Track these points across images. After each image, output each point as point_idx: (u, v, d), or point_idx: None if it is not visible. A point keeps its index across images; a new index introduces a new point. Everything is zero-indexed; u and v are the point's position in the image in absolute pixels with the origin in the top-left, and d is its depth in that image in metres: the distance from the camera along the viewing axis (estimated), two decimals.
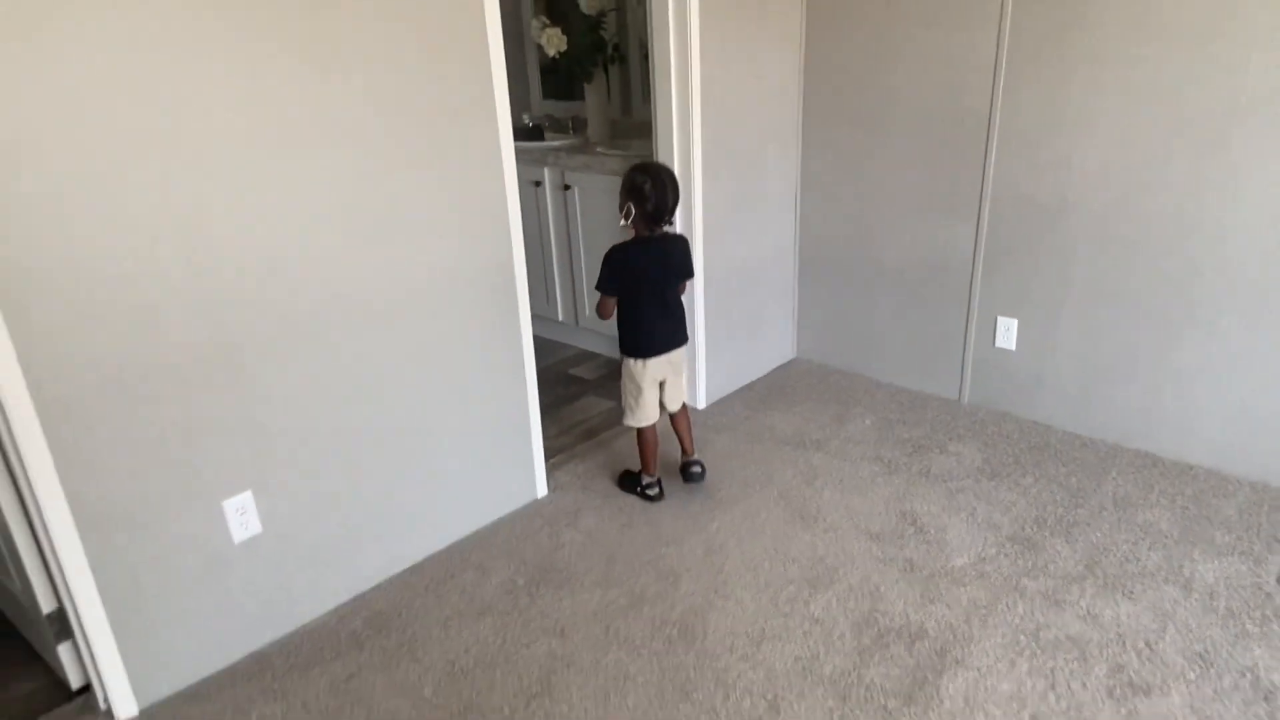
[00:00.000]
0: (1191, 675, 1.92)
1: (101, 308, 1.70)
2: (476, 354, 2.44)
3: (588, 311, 3.79)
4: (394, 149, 2.10)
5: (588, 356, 3.88)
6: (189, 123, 1.73)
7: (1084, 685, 1.90)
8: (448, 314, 2.33)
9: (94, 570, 1.81)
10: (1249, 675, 1.91)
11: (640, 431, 2.62)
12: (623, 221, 2.42)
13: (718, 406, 3.30)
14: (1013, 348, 3.03)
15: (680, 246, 2.52)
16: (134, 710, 1.94)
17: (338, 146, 1.99)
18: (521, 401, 2.60)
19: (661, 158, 2.95)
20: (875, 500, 2.63)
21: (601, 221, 3.53)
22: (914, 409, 3.22)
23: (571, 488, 2.78)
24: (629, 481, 2.74)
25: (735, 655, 2.03)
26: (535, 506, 2.69)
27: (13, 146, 1.53)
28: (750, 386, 3.48)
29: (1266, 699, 1.85)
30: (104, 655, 1.88)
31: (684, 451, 2.75)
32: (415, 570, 2.39)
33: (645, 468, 2.67)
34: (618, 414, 3.23)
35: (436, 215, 2.23)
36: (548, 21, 3.82)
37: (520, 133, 3.70)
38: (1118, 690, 1.89)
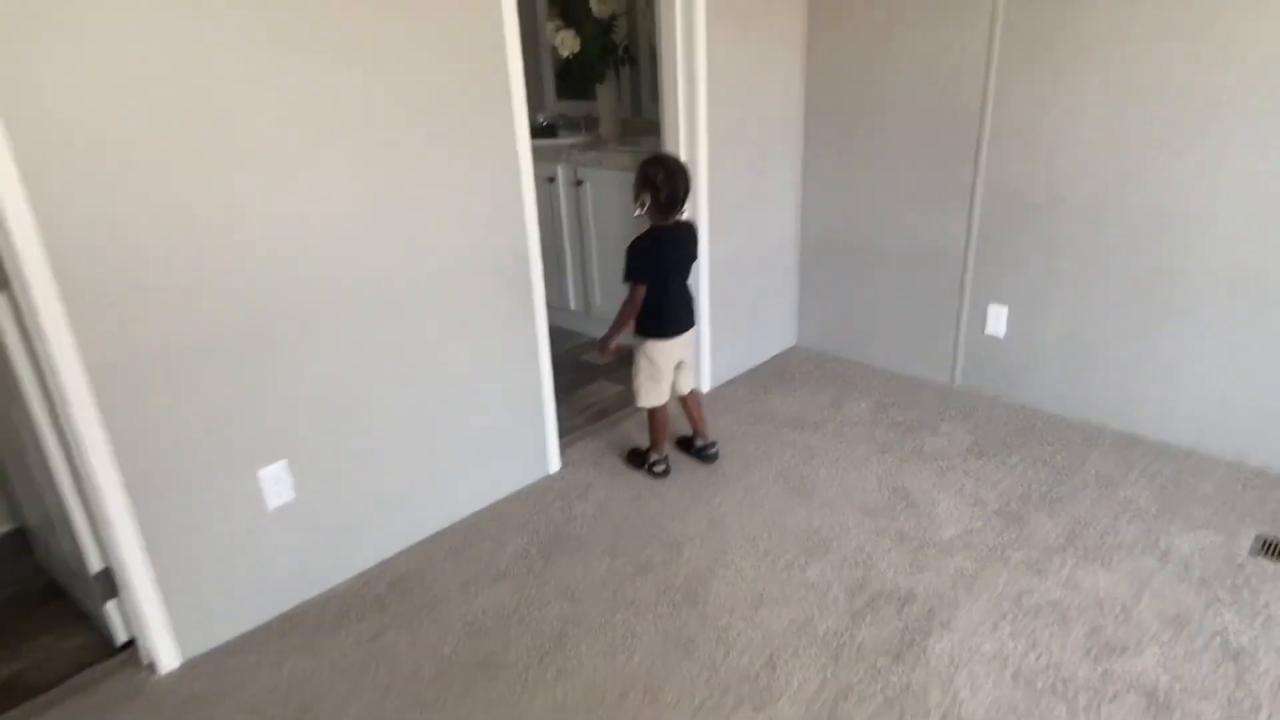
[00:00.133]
0: (1165, 637, 2.05)
1: (147, 289, 1.84)
2: (494, 337, 2.58)
3: (599, 301, 3.94)
4: (416, 143, 2.24)
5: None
6: (227, 118, 1.87)
7: (1063, 646, 2.04)
8: (466, 299, 2.47)
9: (140, 532, 1.96)
10: (1219, 638, 2.04)
11: (653, 411, 2.76)
12: (638, 211, 2.54)
13: (721, 390, 3.44)
14: (1003, 334, 3.16)
15: (691, 233, 2.66)
16: (176, 663, 2.08)
17: (364, 140, 2.13)
18: (535, 382, 2.75)
19: None
20: (869, 477, 2.77)
21: (612, 215, 3.68)
22: (908, 393, 3.35)
23: (583, 464, 2.92)
24: (636, 459, 2.88)
25: (735, 617, 2.17)
26: (548, 481, 2.83)
27: (68, 140, 1.68)
28: (752, 372, 3.62)
29: (1235, 659, 1.97)
30: (149, 612, 2.02)
31: (699, 434, 2.89)
32: (435, 539, 2.54)
33: (655, 445, 2.81)
34: (627, 397, 3.37)
35: (456, 206, 2.37)
36: (561, 24, 3.96)
37: (535, 131, 3.82)
38: (1095, 650, 2.02)
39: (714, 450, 2.88)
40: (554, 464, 2.88)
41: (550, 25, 4.01)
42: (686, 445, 2.95)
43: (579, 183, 3.76)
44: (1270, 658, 1.97)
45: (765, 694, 1.92)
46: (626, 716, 1.87)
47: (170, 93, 1.78)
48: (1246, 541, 2.38)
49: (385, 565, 2.43)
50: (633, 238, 2.57)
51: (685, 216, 2.62)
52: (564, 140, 4.03)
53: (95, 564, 2.05)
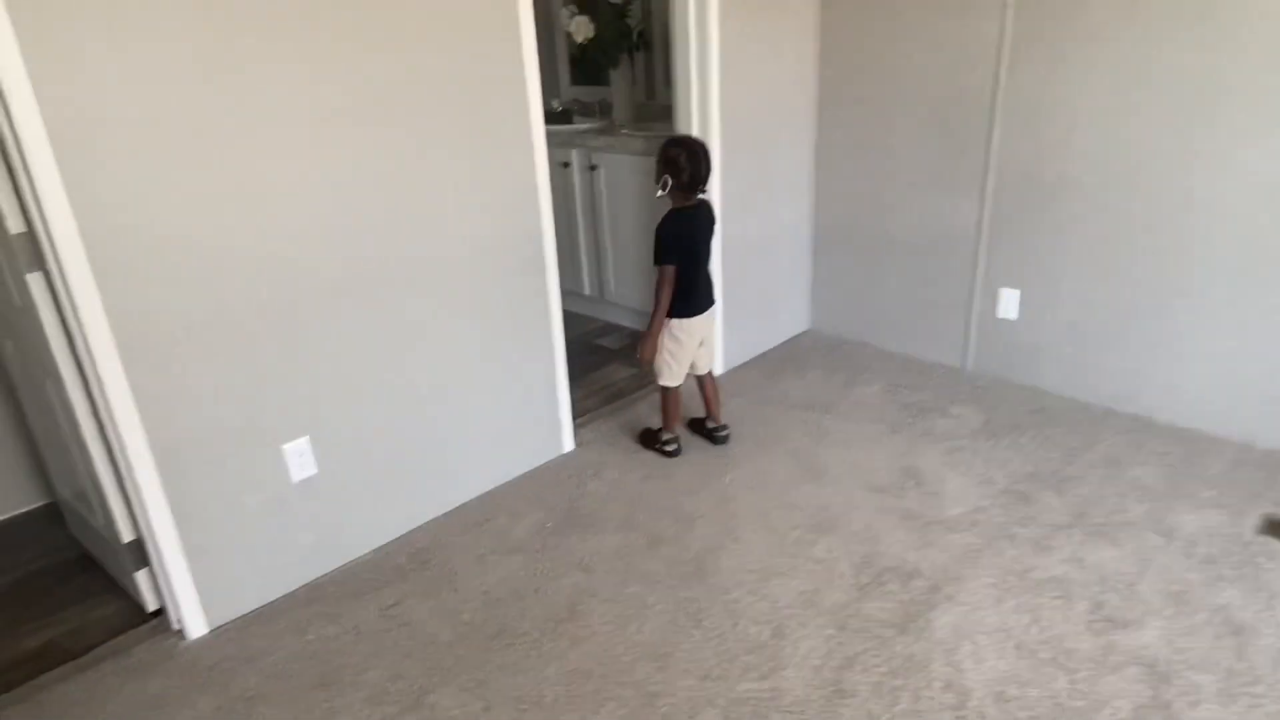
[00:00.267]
0: (1168, 613, 2.08)
1: (176, 269, 1.91)
2: (509, 317, 2.64)
3: (613, 286, 3.99)
4: (433, 129, 2.29)
5: (613, 328, 4.08)
6: (250, 104, 1.94)
7: (1065, 619, 2.07)
8: (482, 282, 2.53)
9: (170, 504, 2.04)
10: (1221, 613, 2.07)
11: (668, 391, 2.81)
12: (660, 192, 2.58)
13: (735, 373, 3.49)
14: (1014, 317, 3.18)
15: (710, 212, 2.70)
16: (204, 630, 2.17)
17: (382, 125, 2.18)
18: (549, 363, 2.80)
19: None
20: (879, 457, 2.81)
21: (626, 200, 3.72)
22: (919, 375, 3.38)
23: (596, 444, 2.98)
24: (648, 438, 2.94)
25: (744, 589, 2.22)
26: (563, 460, 2.90)
27: (101, 128, 1.74)
28: (765, 355, 3.67)
29: (1235, 634, 2.01)
30: (178, 580, 2.11)
31: (711, 416, 2.94)
32: (453, 513, 2.61)
33: (667, 424, 2.86)
34: (640, 380, 3.44)
35: (473, 190, 2.43)
36: (576, 10, 4.00)
37: (550, 116, 3.87)
38: (1097, 624, 2.06)
39: (725, 433, 2.93)
40: (568, 443, 2.94)
41: (565, 11, 4.05)
42: (698, 427, 3.00)
43: (593, 168, 3.80)
44: (1272, 632, 2.00)
45: (772, 663, 1.97)
46: (637, 682, 1.93)
47: (196, 81, 1.84)
48: (1253, 521, 2.40)
49: (405, 538, 2.50)
50: (658, 221, 2.61)
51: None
52: (579, 125, 4.08)
53: (126, 534, 2.14)
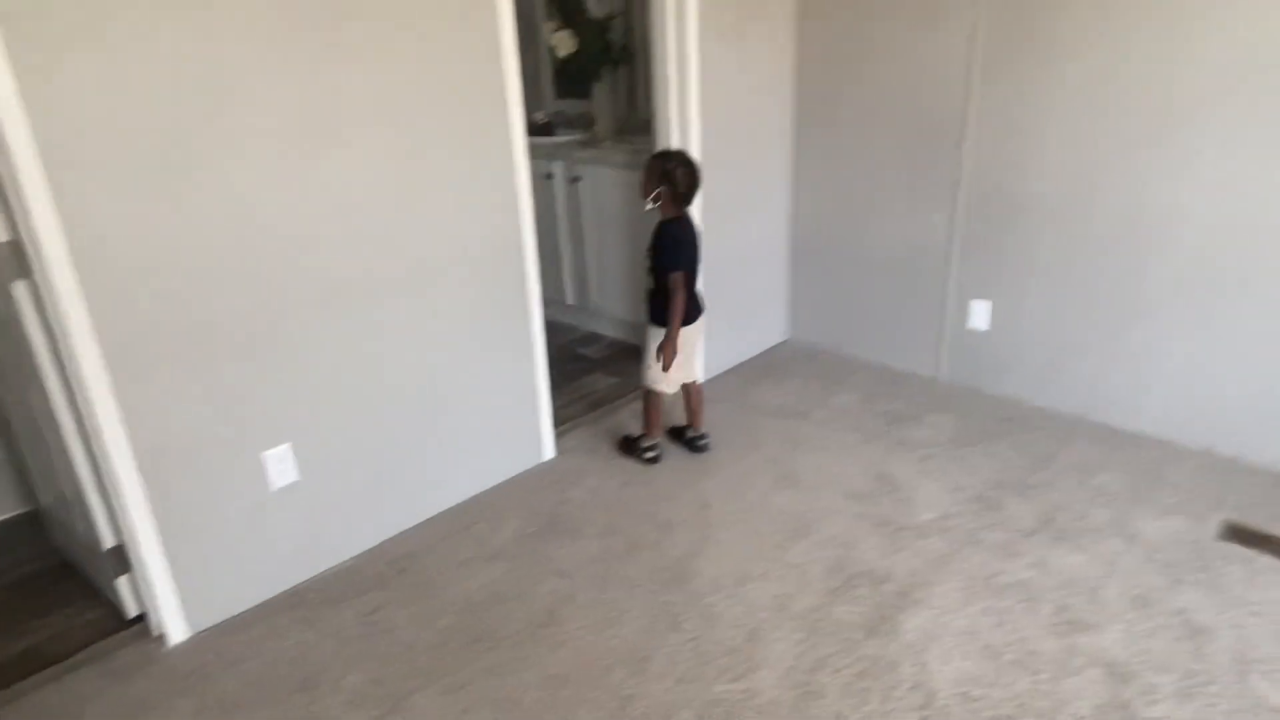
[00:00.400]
0: (1129, 616, 2.15)
1: (161, 275, 1.94)
2: (490, 328, 2.68)
3: (595, 295, 4.04)
4: (416, 142, 2.34)
5: (595, 338, 4.13)
6: (236, 117, 1.97)
7: (1030, 622, 2.13)
8: (464, 291, 2.57)
9: (152, 511, 2.06)
10: (1180, 616, 2.14)
11: (651, 397, 2.85)
12: (650, 205, 2.63)
13: (715, 382, 3.54)
14: (985, 328, 3.26)
15: (694, 223, 2.75)
16: (184, 635, 2.19)
17: (365, 139, 2.23)
18: (530, 372, 2.84)
19: None
20: (853, 465, 2.87)
21: (608, 211, 3.78)
22: (894, 385, 3.45)
23: (577, 451, 3.03)
24: (628, 446, 2.98)
25: (720, 594, 2.27)
26: (544, 467, 2.94)
27: (90, 139, 1.78)
28: (745, 364, 3.73)
29: (1194, 636, 2.07)
30: (159, 586, 2.13)
31: (692, 425, 3.00)
32: (434, 520, 2.64)
33: (649, 431, 2.91)
34: (622, 388, 3.49)
35: (453, 201, 2.47)
36: (559, 25, 4.05)
37: (533, 129, 3.93)
38: (1061, 627, 2.12)
39: (704, 442, 2.98)
40: (549, 451, 2.98)
41: (548, 26, 4.10)
42: (678, 435, 3.05)
43: (576, 179, 3.85)
44: (1228, 634, 2.06)
45: (745, 665, 2.02)
46: (614, 685, 1.97)
47: (184, 92, 1.88)
48: (1213, 526, 2.47)
49: (385, 545, 2.53)
50: (657, 234, 2.65)
51: None
52: (562, 138, 4.13)
53: (108, 541, 2.16)
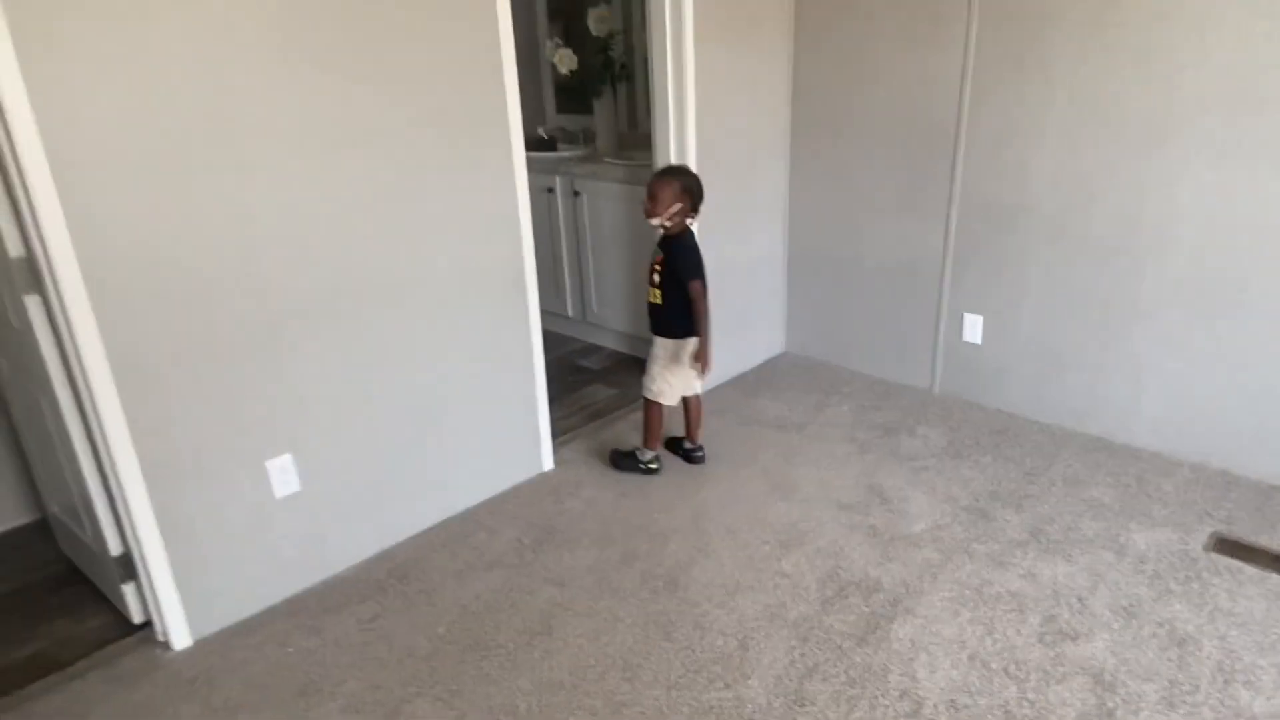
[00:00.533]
0: (1116, 625, 2.18)
1: (167, 290, 1.99)
2: (490, 338, 2.73)
3: (595, 307, 4.09)
4: (418, 157, 2.39)
5: (594, 349, 4.18)
6: (241, 132, 2.03)
7: (1019, 632, 2.17)
8: (464, 303, 2.62)
9: (158, 519, 2.11)
10: (1167, 626, 2.17)
11: (653, 408, 2.89)
12: (659, 221, 2.66)
13: (713, 394, 3.58)
14: (979, 341, 3.30)
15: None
16: (188, 642, 2.23)
17: (368, 153, 2.28)
18: (530, 383, 2.89)
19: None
20: (847, 476, 2.91)
21: (608, 225, 3.83)
22: (888, 397, 3.49)
23: (575, 463, 3.07)
24: (620, 459, 3.01)
25: (713, 603, 2.31)
26: (542, 478, 2.98)
27: (99, 155, 1.84)
28: (741, 377, 3.77)
29: (1179, 645, 2.10)
30: (164, 593, 2.17)
31: (690, 437, 3.04)
32: (433, 529, 2.68)
33: (648, 441, 2.95)
34: (620, 400, 3.53)
35: (455, 215, 2.53)
36: (561, 42, 4.13)
37: (535, 144, 4.00)
38: (1048, 636, 2.15)
39: (700, 454, 3.02)
40: (548, 462, 3.02)
41: (550, 43, 4.18)
42: (674, 446, 3.09)
43: (576, 194, 3.91)
44: (1213, 644, 2.09)
45: (737, 673, 2.06)
46: (607, 692, 2.01)
47: (191, 108, 1.94)
48: (1202, 538, 2.50)
49: (385, 554, 2.57)
50: (673, 248, 2.70)
51: None
52: (562, 153, 4.20)
53: (114, 548, 2.20)
